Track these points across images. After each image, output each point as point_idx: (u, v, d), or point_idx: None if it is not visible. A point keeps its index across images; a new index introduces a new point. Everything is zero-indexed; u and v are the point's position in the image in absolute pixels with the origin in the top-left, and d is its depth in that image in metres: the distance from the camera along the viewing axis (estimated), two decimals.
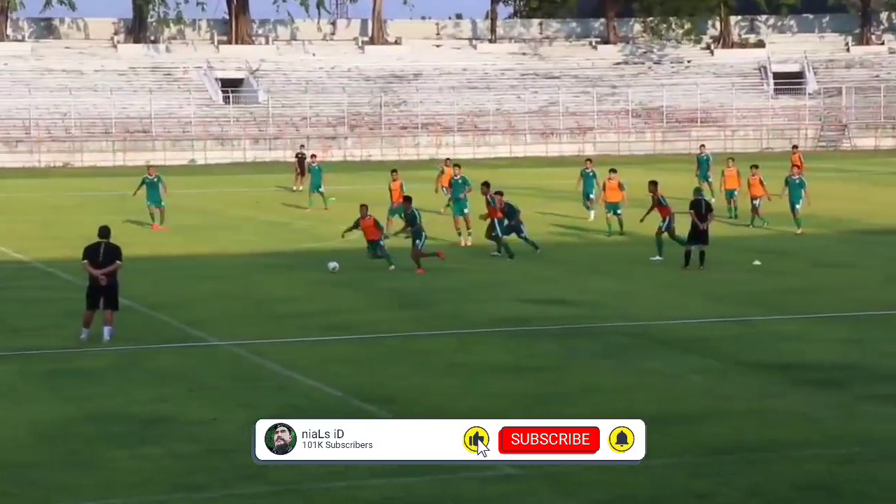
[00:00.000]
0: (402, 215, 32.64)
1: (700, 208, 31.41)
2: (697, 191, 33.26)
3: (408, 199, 32.30)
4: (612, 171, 38.45)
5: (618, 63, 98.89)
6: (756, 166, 40.99)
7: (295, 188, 56.20)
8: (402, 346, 22.07)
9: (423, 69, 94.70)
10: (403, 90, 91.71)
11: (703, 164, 48.65)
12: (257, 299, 27.14)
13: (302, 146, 65.71)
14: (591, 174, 41.78)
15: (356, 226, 31.63)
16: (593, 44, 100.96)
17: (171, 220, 41.87)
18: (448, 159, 48.02)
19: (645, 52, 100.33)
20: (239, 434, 15.99)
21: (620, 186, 37.65)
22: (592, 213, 41.19)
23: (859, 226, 40.65)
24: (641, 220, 34.71)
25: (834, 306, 25.79)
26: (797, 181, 38.94)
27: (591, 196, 41.44)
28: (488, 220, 33.55)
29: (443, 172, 44.23)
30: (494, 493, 13.80)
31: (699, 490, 13.96)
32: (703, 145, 52.86)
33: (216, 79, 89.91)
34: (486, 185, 34.28)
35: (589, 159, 44.25)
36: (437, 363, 20.52)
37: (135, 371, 20.14)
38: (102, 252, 22.43)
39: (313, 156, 52.91)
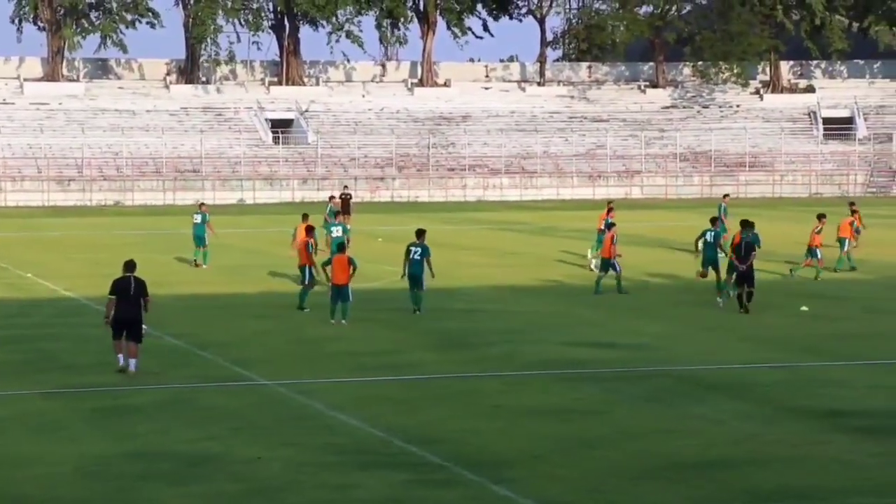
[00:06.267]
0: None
1: (738, 250, 31.38)
2: (743, 230, 32.84)
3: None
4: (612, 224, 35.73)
5: (666, 107, 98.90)
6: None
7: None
8: (447, 387, 22.08)
9: (471, 111, 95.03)
10: (451, 132, 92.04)
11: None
12: (303, 339, 27.24)
13: (346, 187, 65.89)
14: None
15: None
16: (642, 87, 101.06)
17: (219, 258, 42.14)
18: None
19: (694, 97, 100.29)
20: (283, 473, 16.11)
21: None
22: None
23: None
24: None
25: (882, 353, 25.59)
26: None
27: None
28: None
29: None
30: None
31: None
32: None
33: (266, 119, 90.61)
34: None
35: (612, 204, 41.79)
36: (482, 405, 20.51)
37: (181, 409, 20.24)
38: (133, 286, 22.77)
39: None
